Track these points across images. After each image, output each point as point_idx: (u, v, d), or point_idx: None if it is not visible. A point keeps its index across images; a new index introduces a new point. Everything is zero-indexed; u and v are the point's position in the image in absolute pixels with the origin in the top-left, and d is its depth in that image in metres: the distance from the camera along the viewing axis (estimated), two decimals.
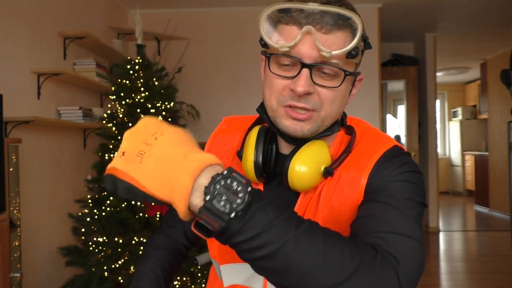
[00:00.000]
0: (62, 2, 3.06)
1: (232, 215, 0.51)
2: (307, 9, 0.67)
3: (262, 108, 0.78)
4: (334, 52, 0.66)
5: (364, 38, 0.71)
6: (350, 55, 0.68)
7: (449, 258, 4.50)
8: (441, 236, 5.40)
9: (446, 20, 4.90)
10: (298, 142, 0.75)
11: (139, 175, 0.54)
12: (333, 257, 0.54)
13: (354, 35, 0.68)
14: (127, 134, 0.58)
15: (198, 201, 0.53)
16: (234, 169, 0.54)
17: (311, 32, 0.66)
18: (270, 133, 0.79)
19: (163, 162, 0.53)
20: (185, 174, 0.52)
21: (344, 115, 0.82)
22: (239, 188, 0.52)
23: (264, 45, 0.72)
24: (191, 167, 0.52)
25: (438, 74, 7.62)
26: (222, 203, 0.51)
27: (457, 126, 8.96)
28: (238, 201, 0.52)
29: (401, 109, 5.63)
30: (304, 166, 0.71)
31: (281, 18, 0.70)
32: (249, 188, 0.53)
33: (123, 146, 0.57)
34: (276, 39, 0.69)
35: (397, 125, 5.72)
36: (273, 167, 0.79)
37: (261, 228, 0.52)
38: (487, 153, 7.24)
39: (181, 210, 0.53)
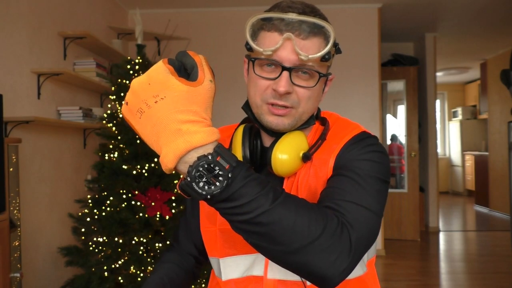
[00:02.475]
0: (62, 2, 3.06)
1: (208, 197, 0.60)
2: (287, 18, 0.76)
3: (247, 106, 0.87)
4: (310, 56, 0.75)
5: (335, 44, 0.81)
6: (324, 59, 0.77)
7: (449, 258, 4.50)
8: (441, 236, 5.40)
9: (446, 20, 4.90)
10: (278, 134, 0.84)
11: (138, 128, 0.60)
12: (302, 225, 0.63)
13: (327, 42, 0.78)
14: (133, 84, 0.60)
15: (183, 169, 0.59)
16: (222, 151, 0.59)
17: (291, 38, 0.75)
18: (254, 130, 0.88)
19: (158, 127, 0.58)
20: (171, 153, 0.58)
21: (318, 110, 0.91)
22: (220, 173, 0.59)
23: (249, 49, 0.80)
24: (178, 148, 0.57)
25: (438, 74, 7.62)
26: (201, 184, 0.59)
27: (457, 126, 8.96)
28: (217, 184, 0.59)
29: (401, 109, 5.62)
30: (285, 154, 0.81)
31: (263, 25, 0.79)
32: (230, 174, 0.59)
33: (128, 96, 0.61)
34: (260, 44, 0.79)
35: (397, 125, 5.72)
36: (259, 159, 0.87)
37: (242, 201, 0.61)
38: (487, 153, 7.24)
39: (166, 171, 0.60)
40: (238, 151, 0.85)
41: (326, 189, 0.77)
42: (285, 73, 0.77)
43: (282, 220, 0.62)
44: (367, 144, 0.82)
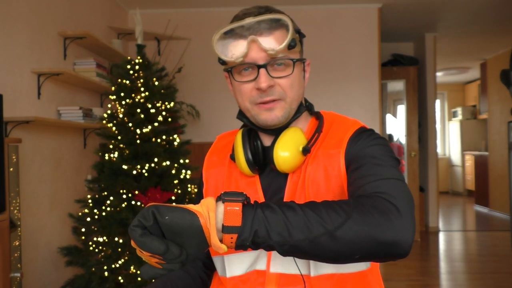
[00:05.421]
0: (62, 2, 3.06)
1: (245, 195, 0.66)
2: (245, 24, 0.82)
3: (241, 114, 0.93)
4: (277, 48, 0.81)
5: (296, 31, 0.86)
6: (290, 46, 0.83)
7: (449, 258, 4.50)
8: (441, 236, 5.40)
9: (446, 20, 4.90)
10: (276, 132, 0.89)
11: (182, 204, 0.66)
12: (331, 210, 0.66)
13: (288, 31, 0.83)
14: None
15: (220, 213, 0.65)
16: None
17: (255, 39, 0.81)
18: (252, 133, 0.93)
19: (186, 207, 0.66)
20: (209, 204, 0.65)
21: (312, 106, 0.97)
22: (236, 193, 0.67)
23: (223, 63, 0.87)
24: (209, 201, 0.66)
25: (438, 74, 7.62)
26: (232, 197, 0.66)
27: (457, 126, 8.96)
28: (242, 196, 0.66)
29: (401, 109, 5.62)
30: (286, 151, 0.86)
31: (229, 38, 0.85)
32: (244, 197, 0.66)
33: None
34: (231, 54, 0.84)
35: (397, 125, 5.73)
36: (262, 159, 0.91)
37: (281, 229, 0.65)
38: (487, 153, 7.23)
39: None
40: (240, 154, 0.89)
41: (352, 184, 0.80)
42: (262, 70, 0.83)
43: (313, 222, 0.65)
44: (369, 134, 0.87)
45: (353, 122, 0.92)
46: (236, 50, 0.83)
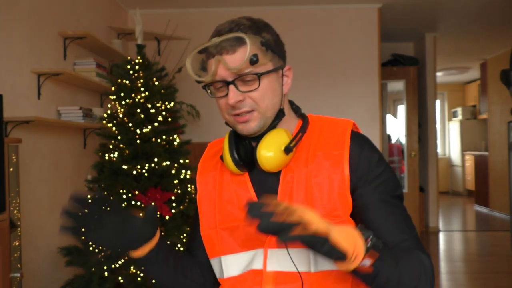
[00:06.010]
0: (62, 2, 3.06)
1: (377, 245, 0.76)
2: (212, 44, 0.87)
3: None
4: (238, 66, 0.85)
5: (264, 43, 0.88)
6: (252, 61, 0.84)
7: (449, 258, 4.50)
8: (441, 236, 5.40)
9: (446, 20, 4.90)
10: (259, 137, 0.92)
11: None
12: (409, 273, 0.81)
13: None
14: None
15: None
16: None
17: (219, 58, 0.86)
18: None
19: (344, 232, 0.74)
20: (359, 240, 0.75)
21: (299, 109, 1.00)
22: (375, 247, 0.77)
23: (199, 81, 0.91)
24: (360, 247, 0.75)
25: (438, 74, 7.61)
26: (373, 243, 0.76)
27: (457, 126, 8.96)
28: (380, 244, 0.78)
29: (401, 109, 5.63)
30: (268, 151, 0.88)
31: (205, 55, 0.91)
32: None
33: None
34: (206, 73, 0.90)
35: (397, 125, 5.73)
36: (250, 158, 0.93)
37: (386, 276, 0.79)
38: (487, 153, 7.23)
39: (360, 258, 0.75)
40: (227, 154, 0.92)
41: (377, 231, 0.86)
42: (230, 87, 0.87)
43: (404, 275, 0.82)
44: (370, 153, 0.91)
45: (346, 121, 0.95)
46: (210, 68, 0.89)
